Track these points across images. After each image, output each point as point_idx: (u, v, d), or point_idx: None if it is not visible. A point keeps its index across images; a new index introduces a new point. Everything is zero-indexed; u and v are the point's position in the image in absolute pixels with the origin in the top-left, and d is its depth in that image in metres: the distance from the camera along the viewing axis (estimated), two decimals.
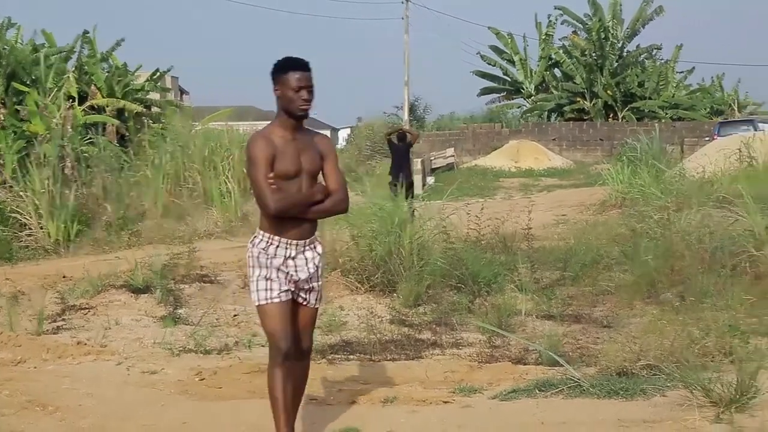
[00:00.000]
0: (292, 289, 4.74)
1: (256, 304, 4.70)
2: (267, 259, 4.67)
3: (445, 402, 5.84)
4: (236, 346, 7.64)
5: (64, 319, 8.60)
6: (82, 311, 8.86)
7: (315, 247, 4.79)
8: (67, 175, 15.64)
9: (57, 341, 7.69)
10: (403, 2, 49.17)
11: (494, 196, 24.98)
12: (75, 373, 6.77)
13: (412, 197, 15.18)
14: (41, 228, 13.70)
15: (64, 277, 10.62)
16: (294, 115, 4.68)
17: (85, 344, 7.63)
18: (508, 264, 10.23)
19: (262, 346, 7.67)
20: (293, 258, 4.71)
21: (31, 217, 13.74)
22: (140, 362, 7.04)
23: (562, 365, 6.26)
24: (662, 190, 14.74)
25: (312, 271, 4.76)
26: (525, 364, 6.95)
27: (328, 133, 55.23)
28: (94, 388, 6.35)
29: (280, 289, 4.67)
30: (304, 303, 4.84)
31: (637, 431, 5.02)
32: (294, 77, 4.64)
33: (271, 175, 4.59)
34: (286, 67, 4.69)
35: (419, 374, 6.69)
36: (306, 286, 4.79)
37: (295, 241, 4.69)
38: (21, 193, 14.00)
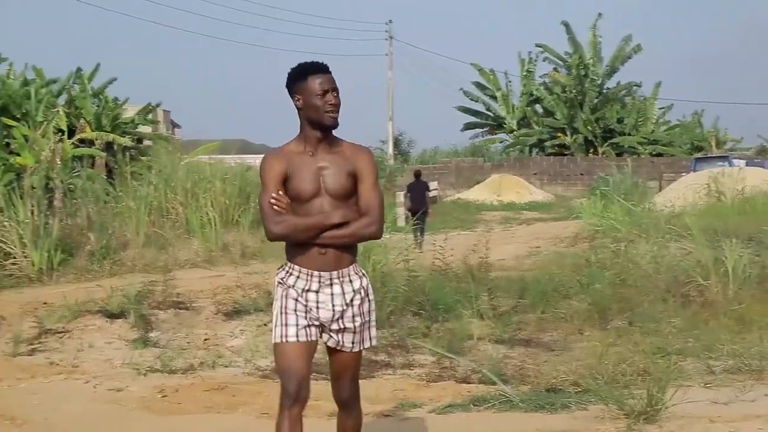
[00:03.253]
0: (315, 325, 4.06)
1: (272, 342, 4.11)
2: (284, 289, 4.08)
3: (387, 415, 6.32)
4: (200, 366, 8.07)
5: (40, 342, 9.00)
6: (58, 335, 9.26)
7: (348, 281, 4.08)
8: (55, 206, 16.09)
9: (31, 362, 8.16)
10: (387, 39, 50.25)
11: (475, 229, 25.49)
12: (45, 390, 7.22)
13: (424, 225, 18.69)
14: (25, 257, 14.09)
15: (44, 303, 11.04)
16: (323, 125, 4.04)
17: (58, 365, 8.09)
18: (470, 292, 10.67)
19: (225, 366, 8.15)
20: (316, 292, 4.04)
21: (15, 247, 14.14)
22: (107, 381, 7.48)
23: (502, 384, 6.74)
24: (626, 223, 15.35)
25: (339, 309, 4.05)
26: (469, 383, 7.38)
27: None
28: (61, 403, 6.79)
29: (297, 326, 4.02)
30: (338, 347, 4.13)
31: None
32: (316, 81, 4.02)
33: (280, 195, 4.02)
34: (304, 72, 4.07)
35: (369, 392, 7.09)
36: (335, 327, 4.08)
37: (315, 272, 4.03)
38: (5, 223, 14.39)
